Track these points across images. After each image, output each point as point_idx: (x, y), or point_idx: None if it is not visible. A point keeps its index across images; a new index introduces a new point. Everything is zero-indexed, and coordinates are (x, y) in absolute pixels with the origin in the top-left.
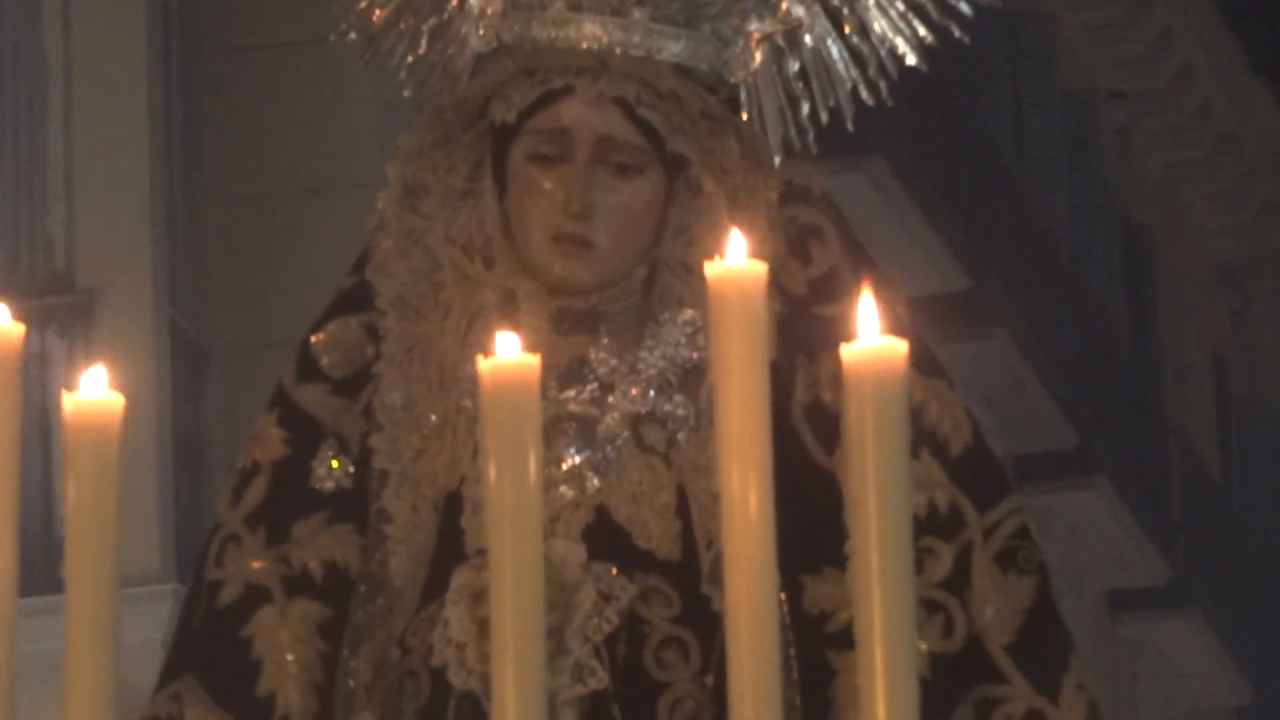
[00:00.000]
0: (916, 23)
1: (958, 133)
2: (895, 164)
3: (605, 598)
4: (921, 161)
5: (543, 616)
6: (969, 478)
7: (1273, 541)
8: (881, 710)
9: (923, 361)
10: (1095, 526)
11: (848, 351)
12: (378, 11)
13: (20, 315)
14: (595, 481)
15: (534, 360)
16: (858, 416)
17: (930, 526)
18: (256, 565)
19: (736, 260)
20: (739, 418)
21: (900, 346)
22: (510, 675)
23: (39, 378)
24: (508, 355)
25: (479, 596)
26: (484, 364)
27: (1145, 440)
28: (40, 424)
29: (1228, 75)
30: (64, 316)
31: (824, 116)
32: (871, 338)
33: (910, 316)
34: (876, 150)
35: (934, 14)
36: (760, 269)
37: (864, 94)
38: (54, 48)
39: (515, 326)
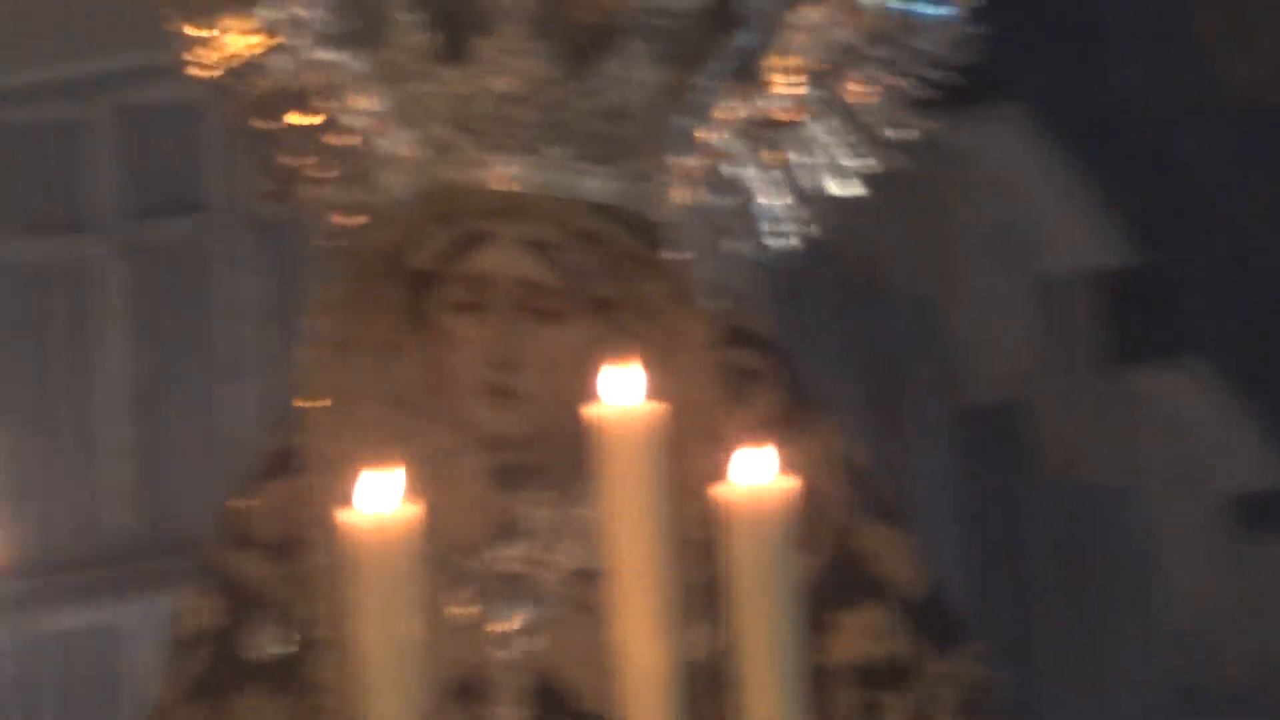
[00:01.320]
0: (842, 156)
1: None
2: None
3: None
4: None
5: None
6: (920, 626)
7: None
8: None
9: (878, 509)
10: None
11: (723, 492)
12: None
13: None
14: (534, 644)
15: (407, 513)
16: (734, 558)
17: (877, 679)
18: None
19: (622, 401)
20: (630, 566)
21: (778, 489)
22: None
23: None
24: (380, 507)
25: None
26: (345, 518)
27: None
28: None
29: None
30: None
31: (749, 251)
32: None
33: (867, 465)
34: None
35: (863, 148)
36: (649, 411)
37: (797, 229)
38: None
39: (451, 483)
